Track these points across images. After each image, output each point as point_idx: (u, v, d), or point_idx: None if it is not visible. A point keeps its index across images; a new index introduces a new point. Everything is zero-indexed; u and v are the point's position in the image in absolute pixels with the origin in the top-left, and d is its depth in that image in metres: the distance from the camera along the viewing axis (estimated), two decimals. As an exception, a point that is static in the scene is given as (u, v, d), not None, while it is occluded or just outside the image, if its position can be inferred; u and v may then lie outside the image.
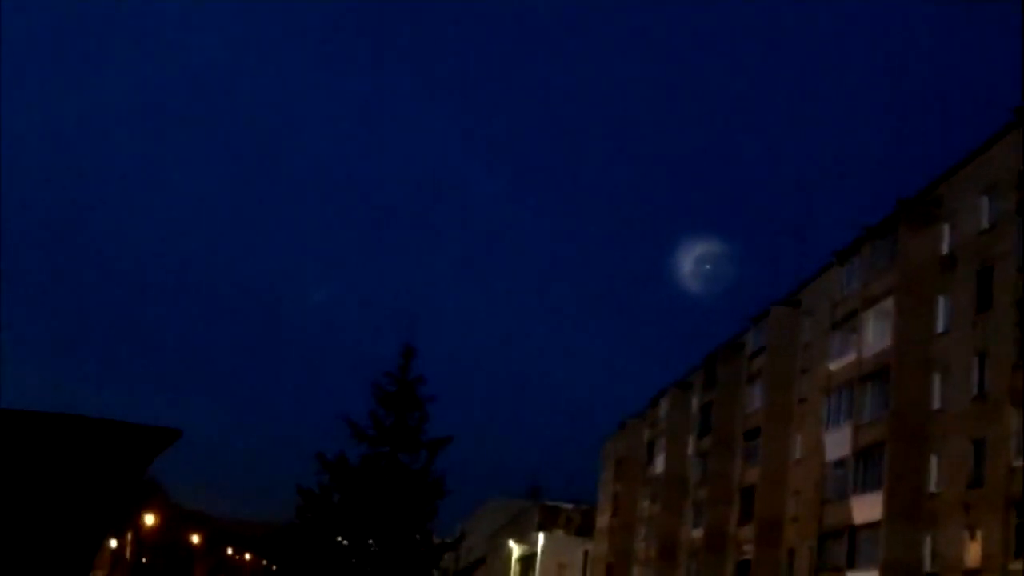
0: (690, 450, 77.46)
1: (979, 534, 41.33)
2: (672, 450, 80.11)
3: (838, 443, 52.08)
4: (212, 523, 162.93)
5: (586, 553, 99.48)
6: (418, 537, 35.03)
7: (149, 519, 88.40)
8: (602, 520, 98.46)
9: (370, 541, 34.19)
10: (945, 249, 47.12)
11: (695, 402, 77.50)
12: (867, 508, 48.02)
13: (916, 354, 47.04)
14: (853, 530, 49.30)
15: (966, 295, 44.66)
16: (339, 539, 35.00)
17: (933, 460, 45.70)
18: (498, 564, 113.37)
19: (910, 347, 47.33)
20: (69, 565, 3.85)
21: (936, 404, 46.12)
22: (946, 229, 47.26)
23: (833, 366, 54.05)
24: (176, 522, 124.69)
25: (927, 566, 44.82)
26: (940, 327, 46.67)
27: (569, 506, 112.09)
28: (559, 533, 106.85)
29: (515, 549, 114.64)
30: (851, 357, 51.97)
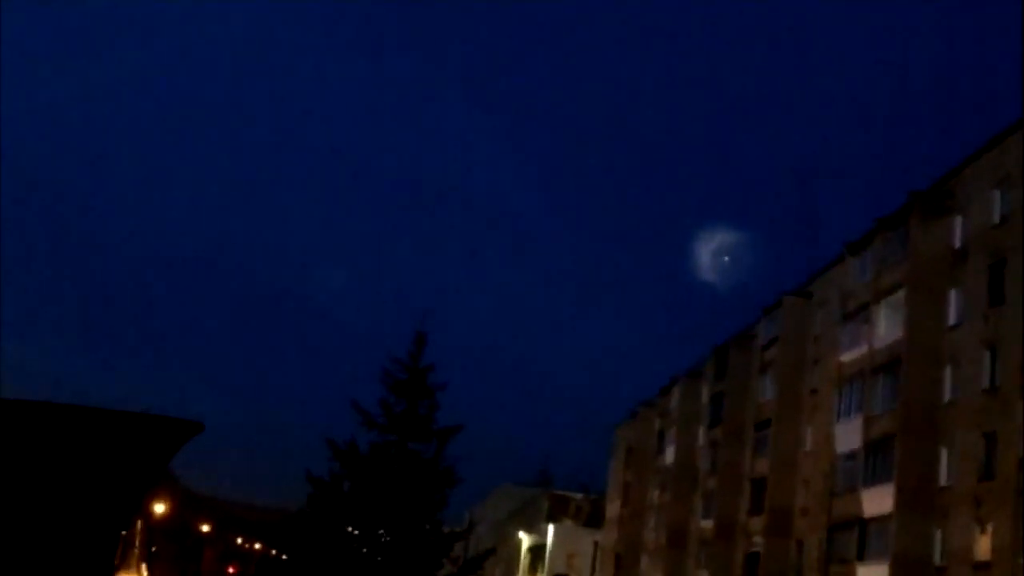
0: (700, 440, 77.46)
1: (989, 527, 41.30)
2: (682, 440, 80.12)
3: (849, 435, 52.04)
4: (222, 510, 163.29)
5: (596, 544, 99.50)
6: (428, 527, 34.99)
7: (159, 506, 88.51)
8: (612, 509, 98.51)
9: (380, 531, 34.17)
10: (957, 242, 47.03)
11: (706, 392, 77.47)
12: (877, 500, 47.99)
13: (927, 347, 46.97)
14: (863, 522, 49.28)
15: (978, 288, 44.57)
16: (349, 528, 34.98)
17: (943, 453, 45.66)
18: (507, 554, 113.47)
19: (921, 340, 47.26)
20: (94, 555, 3.89)
21: (947, 397, 46.07)
22: (958, 222, 47.17)
23: (844, 358, 53.99)
24: (186, 509, 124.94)
25: (937, 559, 44.80)
26: (951, 320, 46.59)
27: (579, 496, 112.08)
28: (568, 523, 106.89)
29: (525, 540, 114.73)
30: (862, 349, 51.91)
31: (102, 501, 3.96)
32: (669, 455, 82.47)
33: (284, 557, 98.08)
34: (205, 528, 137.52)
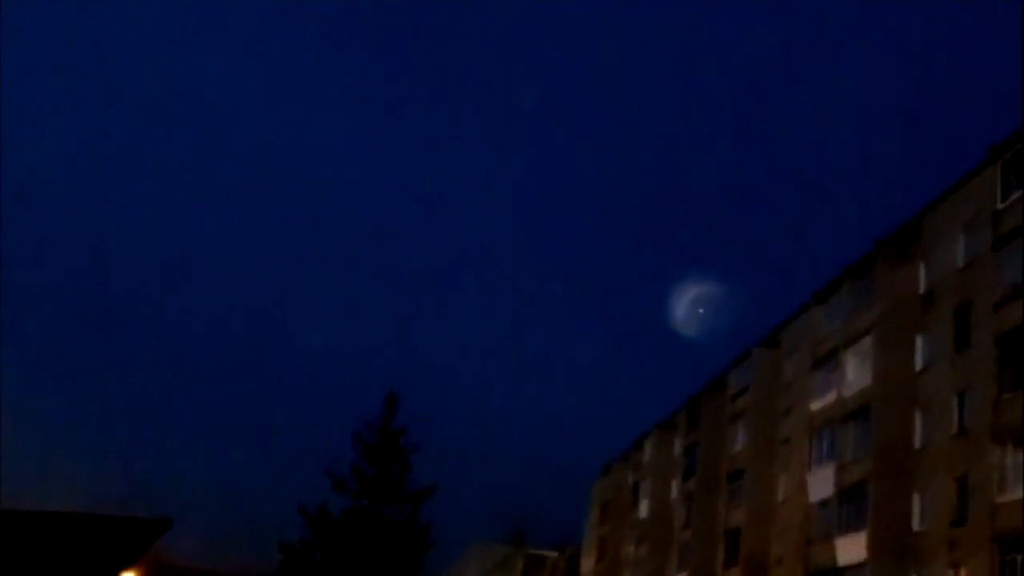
0: (675, 492, 77.31)
1: (963, 571, 41.30)
2: (657, 492, 79.96)
3: (822, 483, 52.08)
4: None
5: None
6: (402, 590, 34.75)
7: None
8: (587, 564, 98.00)
9: (354, 595, 33.92)
10: (923, 287, 47.38)
11: (678, 444, 77.44)
12: (852, 548, 47.95)
13: (896, 392, 47.16)
14: (839, 571, 49.17)
15: (945, 333, 44.86)
16: (323, 594, 34.70)
17: (916, 498, 45.73)
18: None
19: (891, 385, 47.46)
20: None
21: (918, 442, 46.20)
22: (923, 267, 47.54)
23: (815, 406, 54.13)
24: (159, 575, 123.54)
25: (914, 605, 44.75)
26: (920, 365, 46.83)
27: (554, 554, 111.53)
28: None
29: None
30: (832, 396, 52.06)
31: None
32: (644, 508, 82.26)
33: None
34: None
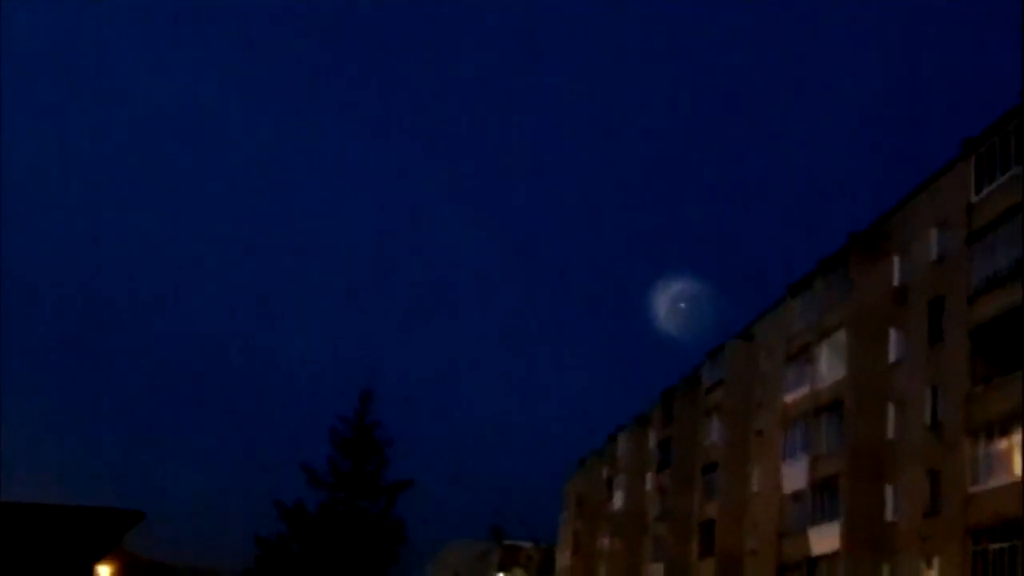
0: (649, 486, 77.52)
1: (936, 563, 41.57)
2: (631, 486, 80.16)
3: (795, 476, 52.31)
4: (169, 573, 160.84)
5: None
6: (378, 584, 34.76)
7: (104, 571, 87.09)
8: (563, 558, 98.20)
9: (330, 590, 33.90)
10: (896, 281, 47.57)
11: (653, 438, 77.63)
12: (825, 540, 48.19)
13: (870, 386, 47.36)
14: (812, 562, 49.43)
15: (918, 327, 45.08)
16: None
17: (890, 490, 45.97)
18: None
19: (864, 379, 47.66)
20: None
21: (891, 435, 46.44)
22: (897, 261, 47.75)
23: (789, 399, 54.34)
24: (133, 573, 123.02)
25: (887, 597, 45.02)
26: (893, 359, 47.05)
27: (529, 545, 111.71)
28: (520, 573, 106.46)
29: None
30: (806, 390, 52.26)
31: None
32: (618, 502, 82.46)
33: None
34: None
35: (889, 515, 45.75)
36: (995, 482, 38.29)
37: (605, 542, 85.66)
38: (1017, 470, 37.29)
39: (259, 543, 35.21)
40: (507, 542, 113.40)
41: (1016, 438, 37.69)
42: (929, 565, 42.06)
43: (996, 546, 37.65)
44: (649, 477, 77.67)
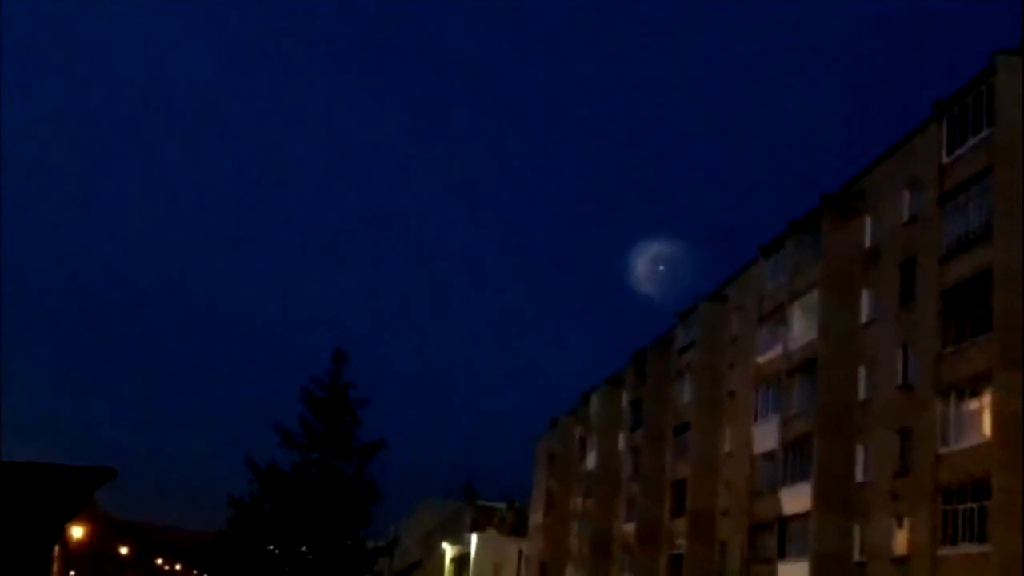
0: (621, 445, 77.81)
1: (907, 522, 41.90)
2: (604, 446, 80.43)
3: (767, 436, 52.61)
4: (143, 533, 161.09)
5: (520, 552, 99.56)
6: (350, 543, 34.79)
7: (77, 531, 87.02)
8: (536, 518, 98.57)
9: (303, 549, 33.94)
10: (868, 242, 47.71)
11: (625, 398, 77.88)
12: (796, 499, 48.52)
13: (841, 346, 47.57)
14: (783, 521, 49.80)
15: (890, 287, 45.24)
16: (271, 548, 34.70)
17: (860, 450, 46.25)
18: (432, 566, 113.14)
19: (836, 340, 47.86)
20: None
21: (862, 395, 46.68)
22: (868, 222, 47.86)
23: (761, 360, 54.58)
24: (105, 533, 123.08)
25: (857, 555, 45.34)
26: (865, 319, 47.23)
27: (502, 505, 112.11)
28: (492, 533, 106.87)
29: (448, 551, 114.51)
30: (778, 351, 52.48)
31: (17, 548, 3.90)
32: (591, 461, 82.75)
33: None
34: (124, 551, 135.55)
35: (860, 475, 46.05)
36: (965, 442, 38.58)
37: (578, 502, 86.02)
38: (987, 430, 37.59)
39: (232, 504, 35.19)
40: (480, 502, 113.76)
41: (986, 399, 37.98)
42: (900, 525, 42.40)
43: (966, 506, 37.98)
44: (621, 437, 77.95)
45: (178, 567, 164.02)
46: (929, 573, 39.20)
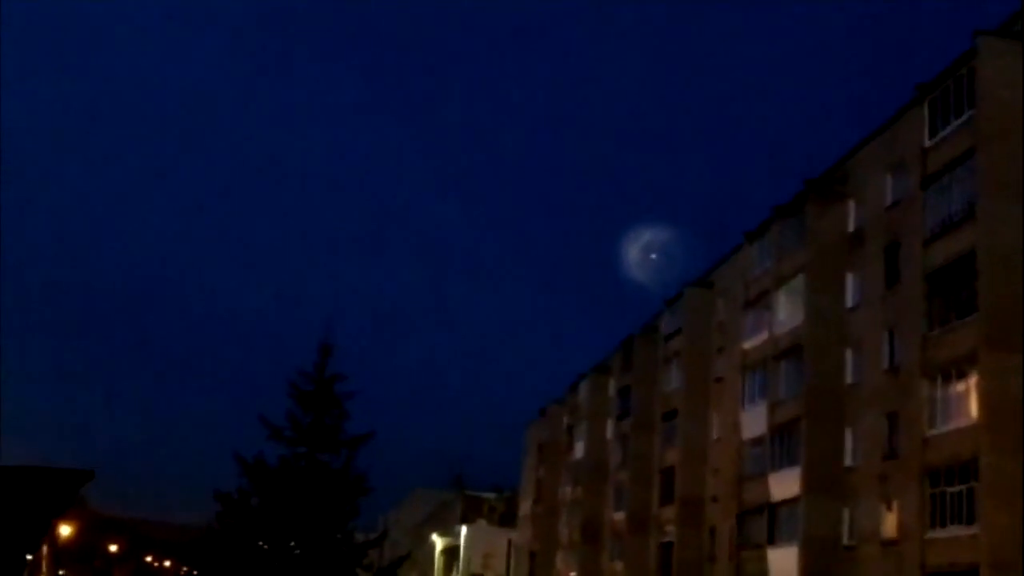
0: (610, 433, 77.85)
1: (896, 505, 41.98)
2: (592, 434, 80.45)
3: (755, 421, 52.65)
4: (131, 529, 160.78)
5: (510, 542, 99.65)
6: (339, 537, 34.71)
7: (66, 529, 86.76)
8: (525, 507, 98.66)
9: (291, 543, 33.85)
10: (852, 226, 47.76)
11: (613, 385, 77.90)
12: (785, 484, 48.58)
13: (828, 330, 47.62)
14: (772, 506, 49.86)
15: (874, 271, 45.29)
16: (259, 543, 34.60)
17: (848, 434, 46.33)
18: (422, 558, 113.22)
19: (822, 324, 47.91)
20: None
21: (849, 379, 46.75)
22: (852, 206, 47.91)
23: (747, 345, 54.62)
24: (94, 530, 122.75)
25: (846, 538, 45.44)
26: (850, 303, 47.29)
27: (492, 495, 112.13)
28: (482, 523, 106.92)
29: (438, 542, 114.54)
30: (764, 336, 52.54)
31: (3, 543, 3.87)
32: (579, 450, 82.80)
33: (195, 574, 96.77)
34: (113, 548, 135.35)
35: (848, 459, 46.14)
36: (952, 424, 38.63)
37: (567, 490, 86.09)
38: (974, 412, 37.64)
39: (219, 498, 35.09)
40: (469, 492, 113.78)
41: (972, 380, 38.03)
42: (888, 508, 42.49)
43: (953, 488, 38.04)
44: (610, 425, 77.99)
45: (167, 563, 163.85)
46: (918, 555, 39.28)
